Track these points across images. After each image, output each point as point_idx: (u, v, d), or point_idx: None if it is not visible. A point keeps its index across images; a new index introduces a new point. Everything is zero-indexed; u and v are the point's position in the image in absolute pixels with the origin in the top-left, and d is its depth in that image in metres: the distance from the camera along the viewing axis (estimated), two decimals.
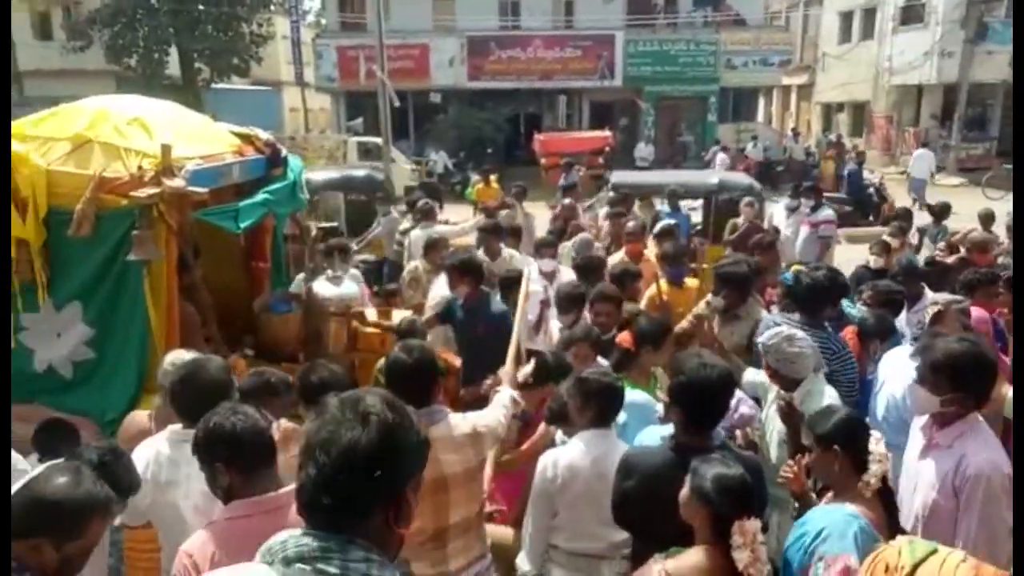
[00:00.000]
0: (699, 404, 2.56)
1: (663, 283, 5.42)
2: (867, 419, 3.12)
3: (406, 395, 2.56)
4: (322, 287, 5.40)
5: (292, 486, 2.08)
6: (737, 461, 2.25)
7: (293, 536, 1.27)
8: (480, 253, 6.57)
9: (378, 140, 19.17)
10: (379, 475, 1.26)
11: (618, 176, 10.90)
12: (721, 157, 20.38)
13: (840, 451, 2.45)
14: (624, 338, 3.76)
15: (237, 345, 4.69)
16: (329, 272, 5.66)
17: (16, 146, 3.67)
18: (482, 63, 25.62)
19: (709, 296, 4.79)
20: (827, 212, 8.20)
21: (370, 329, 5.20)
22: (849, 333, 4.22)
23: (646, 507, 2.45)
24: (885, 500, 2.46)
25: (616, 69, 25.63)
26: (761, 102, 32.26)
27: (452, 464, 2.65)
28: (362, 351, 5.05)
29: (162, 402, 3.00)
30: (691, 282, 5.85)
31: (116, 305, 3.81)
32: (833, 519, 2.35)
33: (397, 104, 17.07)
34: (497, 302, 4.76)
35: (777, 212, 8.92)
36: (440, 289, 5.25)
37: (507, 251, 6.59)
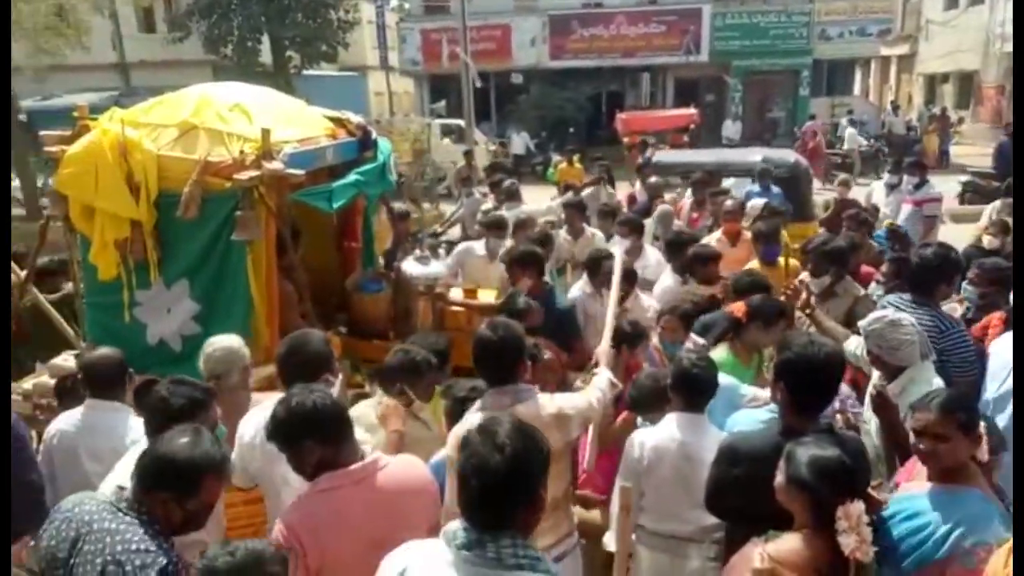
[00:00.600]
0: (806, 384, 2.45)
1: (756, 262, 5.31)
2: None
3: (490, 372, 2.64)
4: (410, 266, 5.51)
5: (375, 455, 2.27)
6: (836, 443, 2.15)
7: (460, 528, 1.68)
8: (563, 232, 6.58)
9: (461, 122, 19.33)
10: (517, 490, 1.65)
11: (660, 155, 10.69)
12: (850, 132, 19.23)
13: (983, 432, 2.26)
14: (738, 307, 3.70)
15: (330, 323, 4.86)
16: (417, 252, 5.78)
17: (130, 132, 3.90)
18: (564, 42, 25.36)
19: (805, 275, 4.66)
20: (933, 189, 7.77)
21: (456, 308, 5.30)
22: (995, 319, 3.97)
23: (752, 495, 2.34)
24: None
25: (702, 44, 24.85)
26: (858, 74, 30.68)
27: None
28: (449, 329, 5.14)
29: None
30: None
31: (220, 282, 4.00)
32: (970, 508, 2.17)
33: (479, 85, 17.16)
34: (561, 295, 4.71)
35: (877, 190, 8.51)
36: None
37: (589, 230, 6.55)
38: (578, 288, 5.14)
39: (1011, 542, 1.99)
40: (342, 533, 2.14)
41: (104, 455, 2.81)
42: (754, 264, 5.36)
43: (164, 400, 2.49)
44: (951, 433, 2.20)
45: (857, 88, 30.36)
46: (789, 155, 9.71)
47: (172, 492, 1.99)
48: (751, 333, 3.64)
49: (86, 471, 2.89)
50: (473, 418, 2.53)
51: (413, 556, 1.78)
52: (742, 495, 2.45)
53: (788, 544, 2.07)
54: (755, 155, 9.68)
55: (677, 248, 5.42)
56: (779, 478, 2.13)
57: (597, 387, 2.97)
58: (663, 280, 5.36)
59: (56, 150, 4.09)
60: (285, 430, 2.22)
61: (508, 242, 5.94)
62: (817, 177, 12.79)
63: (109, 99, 15.57)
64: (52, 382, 3.95)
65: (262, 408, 2.81)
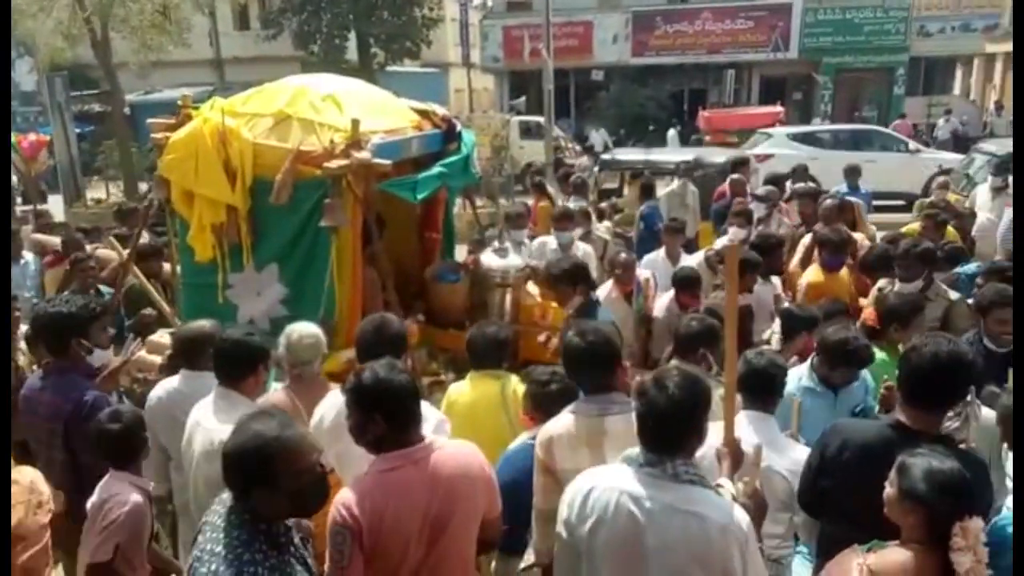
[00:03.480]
0: (921, 381, 2.34)
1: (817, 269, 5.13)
2: None
3: (581, 379, 2.60)
4: (488, 258, 5.55)
5: (431, 438, 2.29)
6: (954, 456, 2.04)
7: (641, 451, 2.03)
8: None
9: (539, 119, 19.31)
10: (683, 426, 1.99)
11: (622, 153, 11.58)
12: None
13: None
14: (869, 315, 3.68)
15: (409, 311, 4.95)
16: (496, 244, 5.81)
17: (229, 121, 4.08)
18: (647, 39, 25.03)
19: (883, 282, 4.49)
20: None
21: (531, 301, 5.31)
22: None
23: (855, 486, 2.29)
24: None
25: (791, 40, 24.07)
26: (959, 73, 29.07)
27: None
28: (523, 323, 5.16)
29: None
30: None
31: (308, 268, 4.13)
32: None
33: (552, 84, 17.13)
34: (604, 311, 4.54)
35: (980, 193, 8.00)
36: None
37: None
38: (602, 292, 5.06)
39: None
40: (401, 513, 2.14)
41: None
42: (815, 271, 5.18)
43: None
44: None
45: (958, 87, 28.78)
46: (724, 155, 10.30)
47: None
48: (891, 336, 3.58)
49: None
50: (564, 419, 2.54)
51: (597, 477, 2.08)
52: (844, 485, 2.36)
53: (893, 557, 1.97)
54: (688, 154, 10.45)
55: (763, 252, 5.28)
56: (889, 490, 2.03)
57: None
58: None
59: (161, 136, 4.31)
60: (360, 395, 2.23)
61: (578, 231, 5.96)
62: None
63: (204, 93, 16.24)
64: (150, 357, 4.17)
65: (338, 391, 2.89)
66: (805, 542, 2.81)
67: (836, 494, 2.39)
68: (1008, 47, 27.63)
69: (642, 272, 5.48)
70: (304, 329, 3.28)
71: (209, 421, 2.84)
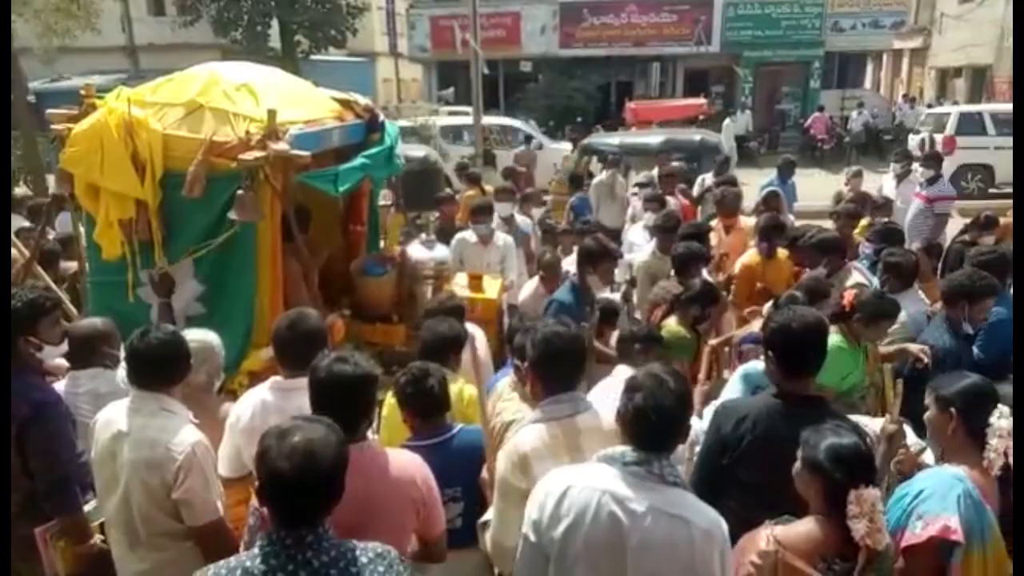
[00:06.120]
0: (792, 349, 2.54)
1: (754, 253, 5.37)
2: None
3: (551, 378, 2.43)
4: (416, 250, 5.51)
5: (370, 443, 2.21)
6: (854, 431, 2.17)
7: (625, 450, 1.98)
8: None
9: (468, 110, 19.24)
10: (681, 423, 2.02)
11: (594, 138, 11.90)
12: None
13: (956, 415, 2.41)
14: (848, 296, 3.80)
15: (335, 306, 4.85)
16: (423, 236, 5.76)
17: (136, 111, 3.88)
18: (574, 30, 25.20)
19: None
20: (946, 186, 7.70)
21: (461, 293, 5.28)
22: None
23: (751, 453, 2.43)
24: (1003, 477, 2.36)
25: (713, 34, 24.66)
26: (870, 67, 30.40)
27: None
28: None
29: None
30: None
31: (225, 264, 3.98)
32: (938, 480, 2.31)
33: (486, 72, 17.06)
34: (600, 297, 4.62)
35: (886, 182, 8.44)
36: None
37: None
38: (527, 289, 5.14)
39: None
40: None
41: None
42: (753, 254, 5.40)
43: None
44: (943, 420, 2.46)
45: (868, 82, 30.10)
46: (696, 137, 10.90)
47: None
48: (853, 325, 3.73)
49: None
50: (532, 432, 2.37)
51: (574, 476, 1.99)
52: (743, 458, 2.47)
53: (798, 527, 2.07)
54: (658, 137, 10.93)
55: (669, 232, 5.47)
56: (796, 464, 2.15)
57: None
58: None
59: (62, 128, 4.08)
60: (317, 394, 2.17)
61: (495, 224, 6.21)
62: None
63: (117, 82, 15.28)
64: (56, 361, 3.95)
65: (257, 390, 2.80)
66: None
67: (736, 468, 2.49)
68: (914, 43, 29.08)
69: (566, 267, 5.54)
70: (193, 334, 3.02)
71: (145, 429, 2.56)
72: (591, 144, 11.29)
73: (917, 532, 2.20)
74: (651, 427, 1.95)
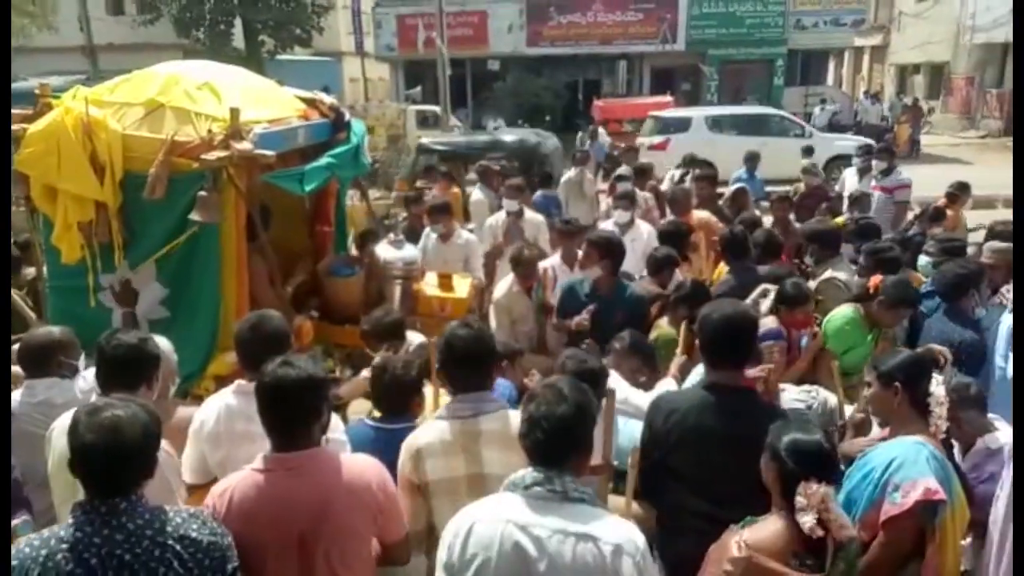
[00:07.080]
0: (714, 340, 2.61)
1: None
2: None
3: (453, 377, 2.46)
4: (384, 250, 5.46)
5: (314, 449, 2.13)
6: (820, 432, 2.20)
7: (527, 472, 1.89)
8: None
9: (436, 109, 19.17)
10: (577, 434, 1.92)
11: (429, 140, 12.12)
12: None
13: (901, 388, 2.49)
14: (875, 280, 3.94)
15: (302, 307, 4.79)
16: (391, 236, 5.73)
17: (94, 111, 3.79)
18: (541, 28, 25.26)
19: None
20: (902, 175, 7.90)
21: (430, 292, 5.27)
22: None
23: (683, 444, 2.50)
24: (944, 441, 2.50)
25: (679, 32, 24.91)
26: (831, 64, 30.94)
27: (493, 464, 2.34)
28: (422, 314, 5.11)
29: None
30: None
31: (189, 266, 3.91)
32: (903, 448, 2.36)
33: (449, 72, 17.03)
34: (632, 287, 4.63)
35: (849, 176, 8.62)
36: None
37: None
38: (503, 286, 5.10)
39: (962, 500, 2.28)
40: (258, 519, 2.03)
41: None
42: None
43: None
44: (888, 395, 2.54)
45: (831, 78, 30.62)
46: (519, 136, 11.22)
47: None
48: (875, 306, 3.88)
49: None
50: (434, 427, 2.39)
51: (478, 512, 1.92)
52: (676, 450, 2.51)
53: (766, 528, 2.09)
54: (484, 136, 11.60)
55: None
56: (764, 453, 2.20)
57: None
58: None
59: (17, 129, 3.97)
60: (261, 400, 2.13)
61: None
62: None
63: (75, 82, 15.06)
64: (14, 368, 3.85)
65: (220, 395, 2.75)
66: None
67: (670, 460, 2.54)
68: (874, 41, 29.67)
69: (540, 264, 5.53)
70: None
71: None
72: (425, 144, 11.44)
73: (898, 501, 2.25)
74: (544, 439, 1.87)
